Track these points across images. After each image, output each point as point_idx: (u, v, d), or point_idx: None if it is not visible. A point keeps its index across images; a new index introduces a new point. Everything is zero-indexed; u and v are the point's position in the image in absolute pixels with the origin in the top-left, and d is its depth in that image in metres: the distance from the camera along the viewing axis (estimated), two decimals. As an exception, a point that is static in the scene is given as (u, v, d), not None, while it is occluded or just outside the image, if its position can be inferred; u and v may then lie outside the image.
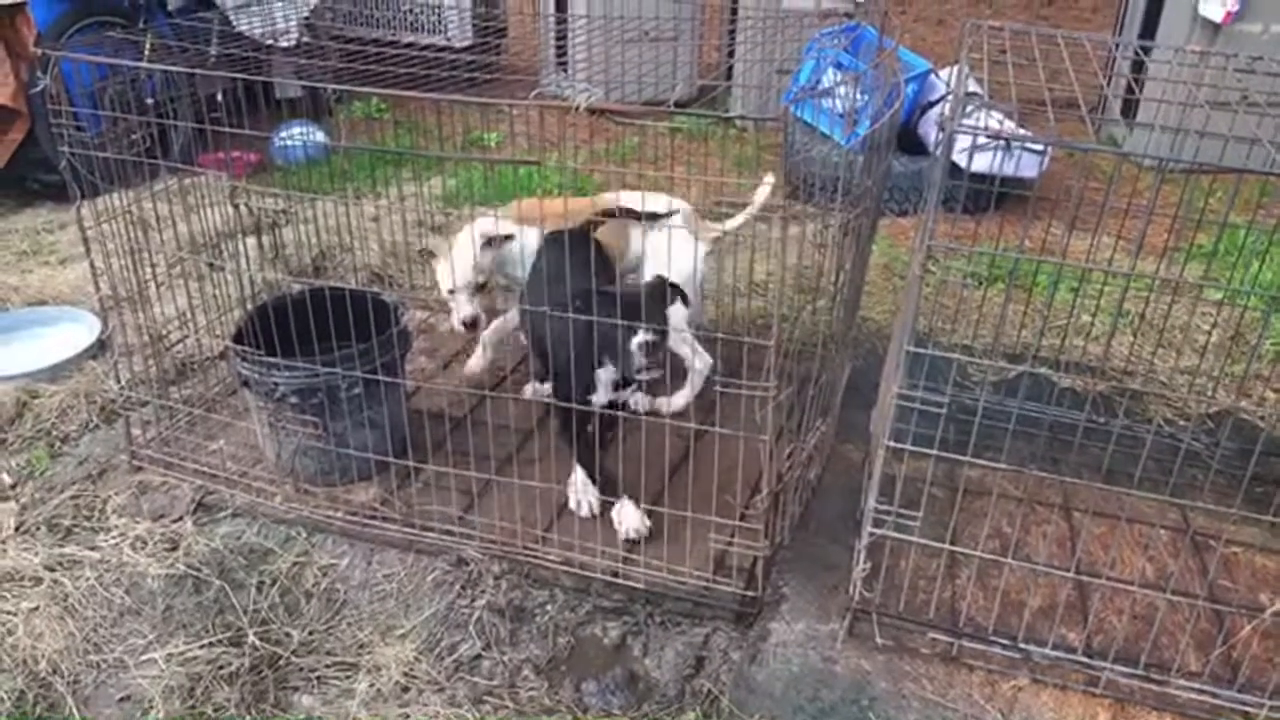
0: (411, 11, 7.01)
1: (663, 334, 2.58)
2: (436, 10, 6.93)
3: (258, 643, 2.49)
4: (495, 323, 3.41)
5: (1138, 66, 2.87)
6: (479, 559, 2.74)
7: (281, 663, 2.47)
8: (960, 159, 3.33)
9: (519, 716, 2.35)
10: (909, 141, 5.29)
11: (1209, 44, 5.40)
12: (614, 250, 3.22)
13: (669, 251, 2.95)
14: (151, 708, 2.34)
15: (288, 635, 2.54)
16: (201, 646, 2.48)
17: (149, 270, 3.05)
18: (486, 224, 3.18)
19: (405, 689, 2.40)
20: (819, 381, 2.76)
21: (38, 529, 2.87)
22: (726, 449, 3.12)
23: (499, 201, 4.62)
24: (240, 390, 3.12)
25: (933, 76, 5.32)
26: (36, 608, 2.58)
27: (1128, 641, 2.45)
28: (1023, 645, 2.41)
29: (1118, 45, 3.25)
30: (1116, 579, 2.63)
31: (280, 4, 3.60)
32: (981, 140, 2.16)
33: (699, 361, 3.32)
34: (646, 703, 2.39)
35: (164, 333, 3.23)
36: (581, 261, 2.89)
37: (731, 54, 5.31)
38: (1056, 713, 2.31)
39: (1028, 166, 4.69)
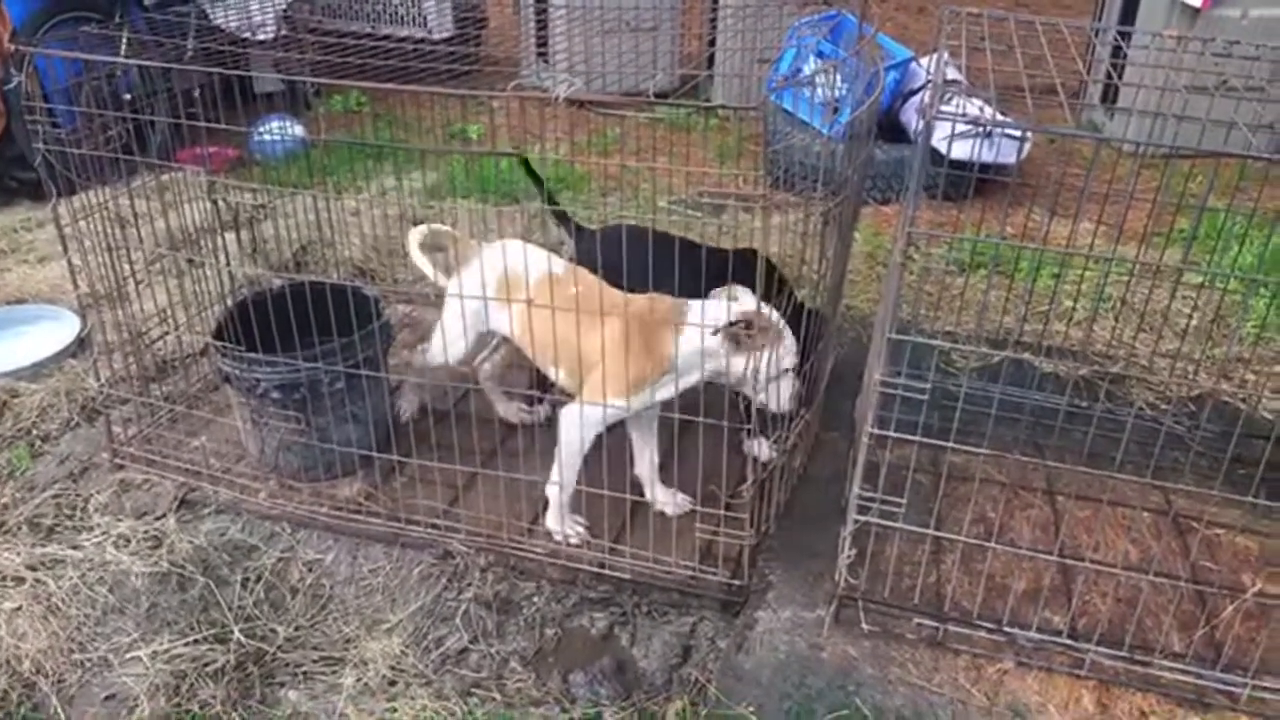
0: (390, 3, 6.97)
1: None
2: (415, 2, 6.88)
3: (243, 639, 2.48)
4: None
5: (1117, 52, 2.88)
6: (465, 552, 2.74)
7: (267, 659, 2.46)
8: (941, 146, 3.34)
9: (507, 708, 2.35)
10: (891, 129, 5.30)
11: (1188, 29, 5.42)
12: None
13: None
14: (136, 706, 2.33)
15: (273, 631, 2.53)
16: (186, 644, 2.47)
17: (128, 267, 3.02)
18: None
19: (392, 683, 2.40)
20: (804, 370, 2.76)
21: (19, 528, 2.85)
22: (711, 439, 3.13)
23: (481, 195, 4.61)
24: (222, 386, 3.11)
25: (914, 64, 5.32)
26: (19, 608, 2.56)
27: (1111, 623, 2.47)
28: (1007, 629, 2.43)
29: (1097, 31, 3.26)
30: (1100, 562, 2.65)
31: (257, -3, 3.57)
32: (961, 127, 2.16)
33: None
34: (634, 692, 2.40)
35: (144, 330, 3.21)
36: None
37: (713, 43, 5.30)
38: (1041, 695, 2.33)
39: (1007, 153, 4.70)
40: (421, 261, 2.98)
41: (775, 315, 2.55)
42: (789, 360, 2.57)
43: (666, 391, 2.63)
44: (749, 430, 2.94)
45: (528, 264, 2.72)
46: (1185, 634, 2.47)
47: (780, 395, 2.60)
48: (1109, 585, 2.57)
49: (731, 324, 2.48)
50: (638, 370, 2.56)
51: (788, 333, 2.59)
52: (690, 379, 2.61)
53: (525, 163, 3.16)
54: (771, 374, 2.54)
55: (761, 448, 2.94)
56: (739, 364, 2.52)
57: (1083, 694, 2.33)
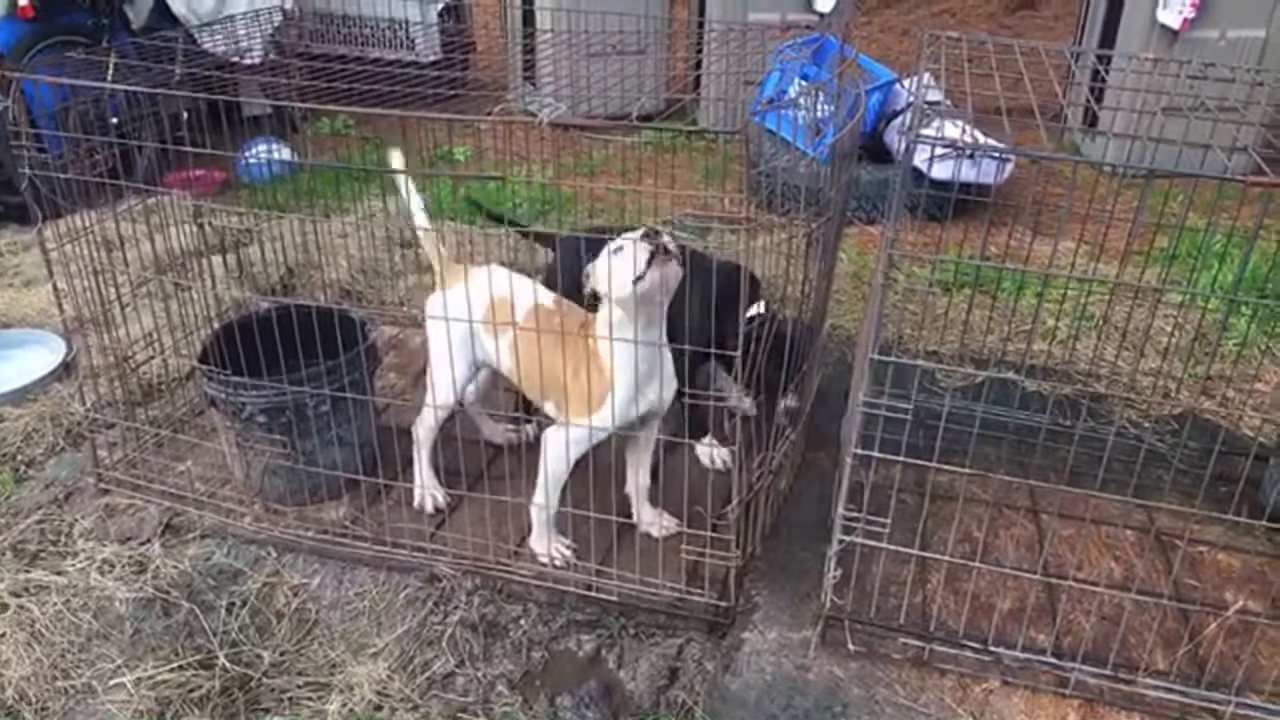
0: (378, 27, 7.00)
1: None
2: (403, 25, 6.92)
3: (228, 665, 2.47)
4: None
5: (1097, 75, 2.93)
6: (451, 575, 2.73)
7: (252, 684, 2.45)
8: (922, 166, 3.38)
9: (493, 732, 2.35)
10: (875, 150, 5.34)
11: (1167, 51, 5.49)
12: None
13: None
14: (121, 733, 2.31)
15: (259, 656, 2.52)
16: (171, 670, 2.45)
17: (114, 291, 3.02)
18: None
19: (378, 708, 2.39)
20: (788, 390, 2.78)
21: (3, 555, 2.83)
22: (697, 459, 3.14)
23: (468, 217, 4.62)
24: (208, 410, 3.10)
25: (897, 86, 5.37)
26: (2, 634, 2.54)
27: (1096, 642, 2.48)
28: (993, 648, 2.44)
29: (1076, 56, 3.30)
30: (1084, 580, 2.67)
31: (245, 21, 3.59)
32: (940, 150, 2.19)
33: None
34: (622, 715, 2.39)
35: (130, 354, 3.20)
36: None
37: (698, 66, 5.34)
38: (1027, 714, 2.34)
39: (988, 174, 4.75)
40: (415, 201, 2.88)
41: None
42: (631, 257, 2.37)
43: (640, 402, 2.61)
44: (705, 439, 3.00)
45: (516, 294, 2.72)
46: (1169, 652, 2.48)
47: (613, 270, 2.38)
48: (1093, 603, 2.58)
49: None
50: (595, 388, 2.55)
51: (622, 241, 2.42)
52: (648, 382, 2.57)
53: (477, 204, 3.14)
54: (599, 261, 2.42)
55: (715, 454, 3.00)
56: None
57: (1068, 713, 2.34)
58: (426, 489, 2.97)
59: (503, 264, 2.96)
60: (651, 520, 2.86)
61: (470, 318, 2.63)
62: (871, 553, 2.47)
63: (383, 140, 3.01)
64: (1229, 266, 4.14)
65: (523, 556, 2.78)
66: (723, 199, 3.53)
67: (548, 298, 2.75)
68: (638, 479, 2.84)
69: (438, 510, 2.96)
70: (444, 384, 2.81)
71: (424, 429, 2.91)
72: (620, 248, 2.40)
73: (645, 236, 2.36)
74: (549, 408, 2.72)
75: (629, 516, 2.87)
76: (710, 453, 3.14)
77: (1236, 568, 2.80)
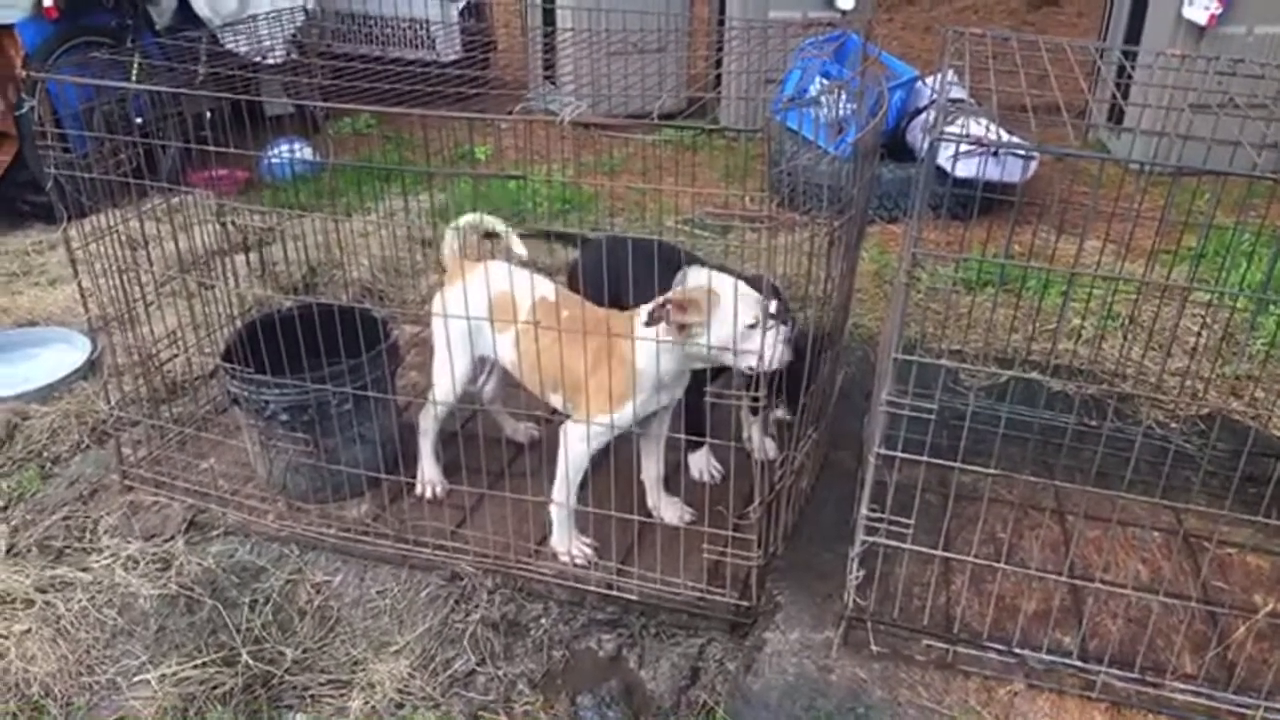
0: (399, 27, 7.03)
1: None
2: (423, 25, 6.94)
3: (251, 662, 2.48)
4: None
5: (1123, 71, 2.90)
6: (473, 574, 2.73)
7: (275, 681, 2.46)
8: (946, 164, 3.35)
9: (514, 731, 2.34)
10: (898, 148, 5.31)
11: (1193, 47, 5.43)
12: None
13: None
14: (145, 729, 2.33)
15: (281, 654, 2.53)
16: (195, 666, 2.47)
17: (138, 290, 3.04)
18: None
19: (400, 705, 2.39)
20: (810, 390, 2.76)
21: (29, 551, 2.86)
22: (719, 459, 3.13)
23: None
24: (231, 408, 3.12)
25: (920, 83, 5.34)
26: (28, 630, 2.57)
27: (1123, 645, 2.45)
28: (1018, 650, 2.41)
29: (1101, 52, 3.27)
30: (1110, 582, 2.63)
31: (267, 21, 3.60)
32: (964, 147, 2.17)
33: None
34: (642, 715, 2.39)
35: (154, 352, 3.22)
36: None
37: (719, 64, 5.33)
38: (1053, 717, 2.31)
39: (1012, 171, 4.71)
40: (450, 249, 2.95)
41: (717, 281, 2.46)
42: (748, 315, 2.42)
43: (659, 398, 2.62)
44: (691, 444, 3.02)
45: (517, 288, 2.71)
46: (1197, 655, 2.45)
47: (765, 351, 2.40)
48: (1119, 606, 2.55)
49: (651, 312, 2.42)
50: (618, 385, 2.55)
51: (726, 291, 2.43)
52: (674, 382, 2.60)
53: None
54: (737, 335, 2.40)
55: (704, 461, 3.05)
56: (695, 346, 2.47)
57: (1094, 716, 2.31)
58: (428, 480, 3.01)
59: (516, 261, 2.95)
60: (667, 505, 2.86)
61: (470, 314, 2.65)
62: (895, 553, 2.45)
63: (404, 139, 3.01)
64: (1257, 265, 4.08)
65: (544, 555, 2.78)
66: (744, 197, 3.51)
67: (550, 291, 2.75)
68: (652, 465, 2.86)
69: (437, 500, 2.99)
70: (444, 380, 2.86)
71: (427, 419, 2.96)
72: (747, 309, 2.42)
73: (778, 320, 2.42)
74: (555, 400, 2.73)
75: (650, 515, 2.86)
76: (702, 465, 3.11)
77: (1266, 570, 2.76)
